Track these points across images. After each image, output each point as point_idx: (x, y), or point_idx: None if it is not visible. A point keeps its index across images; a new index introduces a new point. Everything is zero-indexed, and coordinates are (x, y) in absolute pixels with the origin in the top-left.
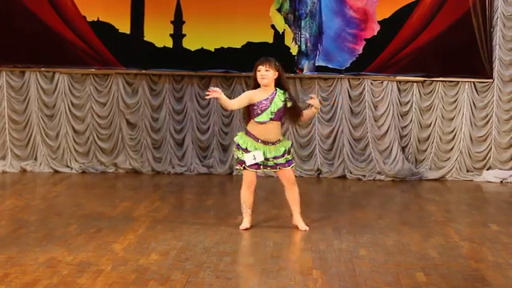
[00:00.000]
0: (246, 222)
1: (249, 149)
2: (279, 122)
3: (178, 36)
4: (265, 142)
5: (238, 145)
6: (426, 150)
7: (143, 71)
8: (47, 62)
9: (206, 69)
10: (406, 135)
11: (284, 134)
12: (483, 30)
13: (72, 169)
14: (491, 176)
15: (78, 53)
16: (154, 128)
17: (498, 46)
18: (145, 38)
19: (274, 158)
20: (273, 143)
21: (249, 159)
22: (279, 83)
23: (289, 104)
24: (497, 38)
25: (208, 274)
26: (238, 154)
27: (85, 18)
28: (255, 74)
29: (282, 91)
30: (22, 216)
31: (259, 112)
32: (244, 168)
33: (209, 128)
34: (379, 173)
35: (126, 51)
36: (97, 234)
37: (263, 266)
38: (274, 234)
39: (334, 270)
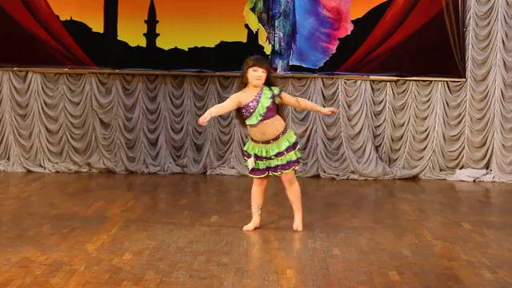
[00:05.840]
0: (251, 223)
1: (250, 153)
2: (273, 118)
3: (151, 35)
4: (265, 142)
5: (245, 151)
6: (399, 150)
7: (116, 71)
8: (20, 61)
9: (180, 68)
10: (379, 134)
11: None
12: (456, 29)
13: (45, 168)
14: (464, 175)
15: (51, 52)
16: (128, 127)
17: (470, 46)
18: (118, 38)
19: (277, 154)
20: (274, 139)
21: (249, 165)
22: (268, 81)
23: (277, 101)
24: (469, 37)
25: (182, 274)
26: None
27: (58, 17)
28: (248, 73)
29: (268, 88)
30: None
31: (248, 115)
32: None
33: (182, 127)
34: (353, 172)
35: (99, 50)
36: (70, 233)
37: (237, 266)
38: (247, 233)
39: (307, 270)
